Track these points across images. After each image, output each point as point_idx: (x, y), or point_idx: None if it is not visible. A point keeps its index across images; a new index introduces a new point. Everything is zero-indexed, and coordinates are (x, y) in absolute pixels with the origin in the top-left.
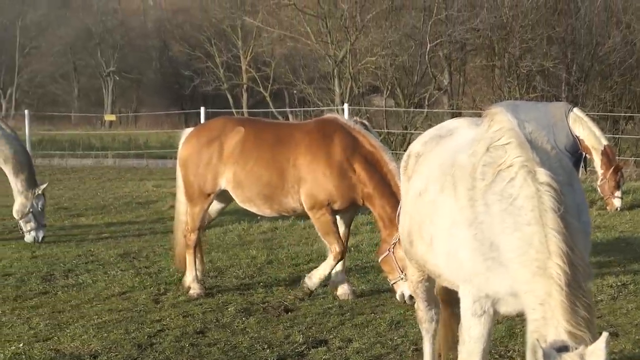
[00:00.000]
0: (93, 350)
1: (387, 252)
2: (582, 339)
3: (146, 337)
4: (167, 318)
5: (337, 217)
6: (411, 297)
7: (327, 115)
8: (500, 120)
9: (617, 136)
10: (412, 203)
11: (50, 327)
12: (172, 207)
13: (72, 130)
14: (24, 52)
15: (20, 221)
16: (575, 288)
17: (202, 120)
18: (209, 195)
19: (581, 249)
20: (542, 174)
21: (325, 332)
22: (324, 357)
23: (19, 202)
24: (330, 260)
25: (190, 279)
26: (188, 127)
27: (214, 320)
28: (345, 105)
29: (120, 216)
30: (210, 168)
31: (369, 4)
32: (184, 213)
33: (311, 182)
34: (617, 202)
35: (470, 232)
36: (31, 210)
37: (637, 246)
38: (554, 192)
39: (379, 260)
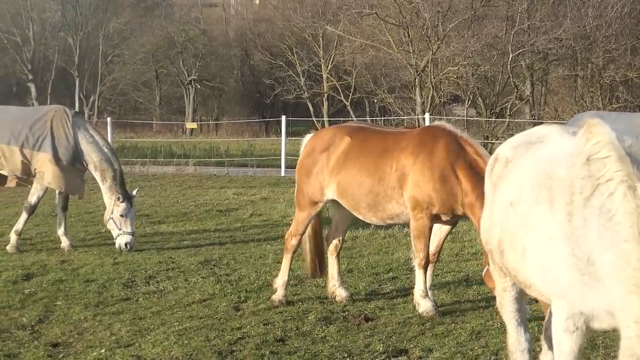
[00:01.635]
0: (174, 356)
1: (487, 266)
2: None
3: (226, 344)
4: (248, 326)
5: (438, 226)
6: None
7: (435, 123)
8: (600, 133)
9: None
10: (503, 212)
11: (131, 334)
12: (253, 214)
13: (153, 137)
14: (106, 60)
15: (108, 227)
16: None
17: (283, 129)
18: (316, 203)
19: None
20: None
21: (405, 342)
22: None
23: (107, 209)
24: (417, 270)
25: (279, 283)
26: (269, 136)
27: (294, 329)
28: (427, 115)
29: (200, 224)
30: (319, 177)
31: (451, 13)
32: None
33: (413, 183)
34: None
35: (568, 247)
36: (111, 217)
37: None
38: None
39: (483, 274)
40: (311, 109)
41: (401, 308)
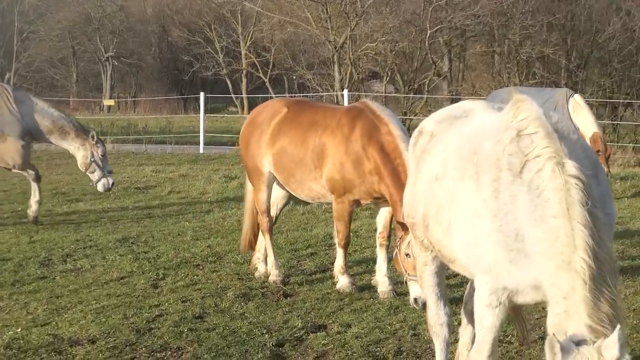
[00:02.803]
0: (91, 335)
1: (396, 251)
2: (603, 334)
3: (145, 322)
4: (166, 303)
5: (381, 209)
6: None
7: (362, 100)
8: (527, 109)
9: (616, 122)
10: (428, 186)
11: (48, 312)
12: (171, 192)
13: (70, 114)
14: (22, 36)
15: (88, 174)
16: (600, 283)
17: (202, 106)
18: (262, 175)
19: (607, 244)
20: (571, 166)
21: (324, 317)
22: (322, 342)
23: (80, 156)
24: (337, 248)
25: (269, 264)
26: (187, 113)
27: (213, 305)
28: (345, 91)
29: (118, 201)
30: (258, 150)
31: None
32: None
33: (330, 166)
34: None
35: (495, 224)
36: (93, 159)
37: (636, 232)
38: (582, 184)
39: (393, 255)
40: (230, 85)
41: (320, 284)
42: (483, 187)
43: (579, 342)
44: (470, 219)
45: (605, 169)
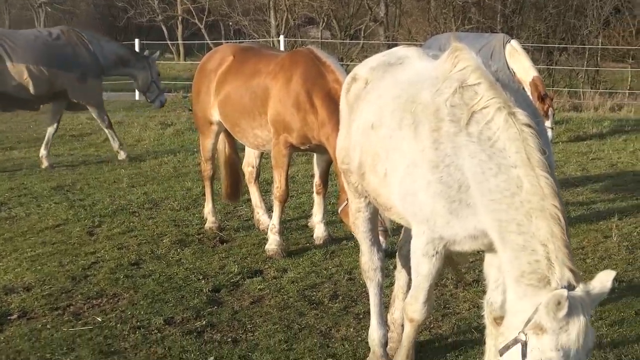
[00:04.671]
0: (26, 283)
1: (346, 202)
2: (580, 276)
3: (80, 269)
4: (102, 250)
5: (320, 155)
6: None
7: (307, 47)
8: (466, 59)
9: (551, 67)
10: (364, 135)
11: None
12: (107, 139)
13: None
14: None
15: (147, 94)
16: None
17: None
18: (211, 124)
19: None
20: (522, 115)
21: (260, 263)
22: (258, 287)
23: (141, 78)
24: (275, 205)
25: (207, 211)
26: None
27: (149, 252)
28: (281, 37)
29: (53, 149)
30: (207, 99)
31: None
32: (223, 142)
33: (272, 109)
34: (548, 133)
35: (435, 175)
36: (152, 79)
37: (569, 175)
38: (536, 132)
39: (339, 210)
40: (165, 32)
41: (256, 229)
42: (422, 138)
43: (569, 289)
44: (407, 169)
45: (551, 112)
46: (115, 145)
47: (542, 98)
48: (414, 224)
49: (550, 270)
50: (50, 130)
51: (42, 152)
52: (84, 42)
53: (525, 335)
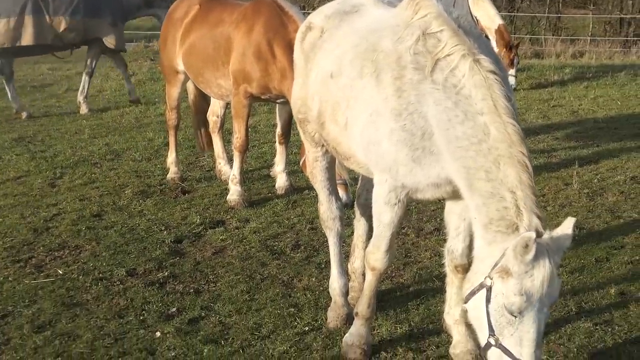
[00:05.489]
0: None
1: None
2: (546, 224)
3: (42, 221)
4: (64, 202)
5: (282, 106)
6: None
7: None
8: (427, 6)
9: (513, 14)
10: (322, 84)
11: None
12: (68, 90)
13: None
14: None
15: None
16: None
17: None
18: (177, 73)
19: None
20: (487, 62)
21: (222, 213)
22: (220, 237)
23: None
24: (235, 155)
25: (170, 160)
26: None
27: (111, 203)
28: None
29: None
30: (173, 49)
31: None
32: (193, 92)
33: (233, 59)
34: (511, 80)
35: (398, 123)
36: None
37: (530, 122)
38: (501, 79)
39: (301, 162)
40: None
41: (218, 180)
42: (384, 86)
43: (538, 235)
44: (369, 117)
45: (516, 60)
46: (128, 85)
47: (508, 46)
48: (376, 172)
49: (519, 217)
50: (85, 78)
51: (79, 97)
52: None
53: (491, 279)
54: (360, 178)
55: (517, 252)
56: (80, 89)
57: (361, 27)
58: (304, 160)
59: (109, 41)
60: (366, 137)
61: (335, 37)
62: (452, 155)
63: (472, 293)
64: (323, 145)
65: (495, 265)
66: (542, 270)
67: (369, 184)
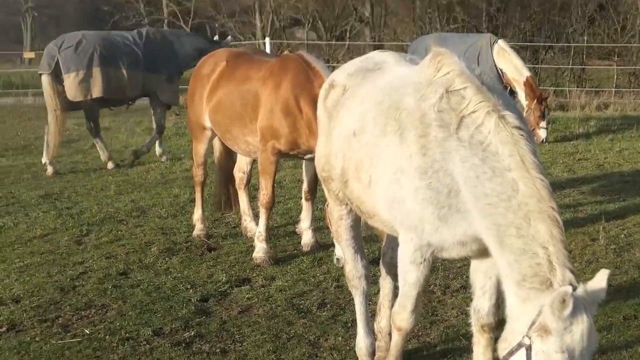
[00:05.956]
0: (15, 294)
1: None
2: (577, 276)
3: (69, 279)
4: (90, 260)
5: (305, 166)
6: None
7: (297, 52)
8: (450, 64)
9: (537, 66)
10: (346, 142)
11: None
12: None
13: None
14: None
15: None
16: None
17: None
18: (204, 130)
19: None
20: (512, 118)
21: (248, 271)
22: (247, 295)
23: None
24: (261, 212)
25: (196, 217)
26: None
27: (137, 261)
28: (267, 39)
29: (41, 156)
30: (200, 105)
31: None
32: (219, 149)
33: (261, 115)
34: (542, 133)
35: (424, 181)
36: None
37: (556, 176)
38: (527, 135)
39: (324, 211)
40: None
41: (243, 237)
42: (408, 144)
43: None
44: (393, 176)
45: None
46: (159, 150)
47: (538, 98)
48: (401, 231)
49: (552, 272)
50: (155, 134)
51: (158, 149)
52: (169, 42)
53: (530, 338)
54: (385, 236)
55: (554, 308)
56: (157, 141)
57: (384, 84)
58: (326, 206)
59: (163, 96)
60: (390, 195)
61: (358, 95)
62: (480, 212)
63: (511, 353)
64: (347, 204)
65: (533, 323)
66: (581, 325)
67: (394, 242)
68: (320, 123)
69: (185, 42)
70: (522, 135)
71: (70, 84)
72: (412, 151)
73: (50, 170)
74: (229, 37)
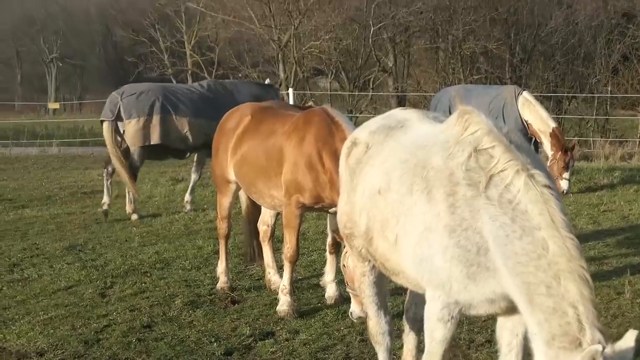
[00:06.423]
0: (39, 347)
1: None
2: (607, 336)
3: (93, 332)
4: (114, 312)
5: (329, 219)
6: (360, 317)
7: (321, 106)
8: (477, 122)
9: (561, 116)
10: (370, 200)
11: None
12: (118, 196)
13: (16, 118)
14: None
15: None
16: None
17: None
18: (229, 183)
19: None
20: (541, 177)
21: (272, 324)
22: (271, 349)
23: None
24: (285, 265)
25: (220, 270)
26: None
27: (161, 314)
28: (290, 90)
29: (65, 207)
30: (225, 159)
31: None
32: (246, 202)
33: (285, 169)
34: (564, 184)
35: (452, 239)
36: None
37: (581, 228)
38: (556, 193)
39: (342, 265)
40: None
41: (267, 289)
42: (436, 202)
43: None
44: (422, 234)
45: (571, 163)
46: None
47: (564, 149)
48: (428, 288)
49: (582, 332)
50: (194, 177)
51: (187, 197)
52: (229, 91)
53: None
54: (408, 292)
55: None
56: (189, 188)
57: (408, 142)
58: (344, 262)
59: None
60: (418, 253)
61: (382, 153)
62: (510, 270)
63: None
64: (370, 260)
65: None
66: None
67: (417, 297)
68: (342, 180)
69: (242, 90)
70: (552, 194)
71: (131, 130)
72: (441, 209)
73: (134, 216)
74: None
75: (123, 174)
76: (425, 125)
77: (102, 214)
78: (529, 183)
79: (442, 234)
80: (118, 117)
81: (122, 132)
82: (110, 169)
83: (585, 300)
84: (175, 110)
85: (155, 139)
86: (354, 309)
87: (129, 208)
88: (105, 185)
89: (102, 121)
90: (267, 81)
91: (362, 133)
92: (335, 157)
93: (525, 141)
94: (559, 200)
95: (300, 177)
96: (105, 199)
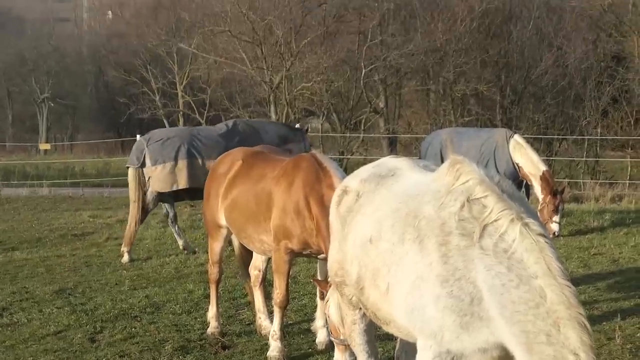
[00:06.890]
0: None
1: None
2: None
3: None
4: (104, 358)
5: (319, 265)
6: None
7: (311, 152)
8: (468, 172)
9: (551, 158)
10: (361, 249)
11: None
12: (109, 239)
13: (6, 158)
14: None
15: None
16: None
17: None
18: (220, 228)
19: None
20: (535, 225)
21: None
22: None
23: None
24: (275, 311)
25: (210, 315)
26: (125, 154)
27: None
28: None
29: (55, 249)
30: (215, 203)
31: (304, 29)
32: (239, 247)
33: (274, 214)
34: (554, 227)
35: (445, 289)
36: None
37: (571, 272)
38: (550, 241)
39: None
40: (167, 126)
41: (258, 335)
42: (428, 252)
43: None
44: (413, 284)
45: (561, 207)
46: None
47: (554, 192)
48: (420, 338)
49: None
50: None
51: (180, 243)
52: (255, 130)
53: None
54: (398, 340)
55: None
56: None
57: (399, 191)
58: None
59: None
60: (410, 303)
61: (373, 202)
62: (508, 319)
63: None
64: (360, 308)
65: None
66: None
67: (407, 346)
68: (333, 228)
69: (269, 130)
70: (546, 242)
71: (158, 175)
72: (433, 259)
73: (126, 258)
74: (307, 126)
75: (133, 223)
76: (416, 174)
77: (191, 252)
78: (524, 232)
79: (434, 284)
80: (143, 164)
81: (147, 178)
82: (171, 215)
83: (585, 347)
84: (200, 154)
85: (182, 183)
86: (338, 358)
87: (181, 243)
88: (174, 231)
89: (127, 167)
90: (297, 125)
91: (353, 181)
92: (322, 204)
93: (516, 190)
94: (554, 248)
95: (288, 222)
96: (180, 242)
